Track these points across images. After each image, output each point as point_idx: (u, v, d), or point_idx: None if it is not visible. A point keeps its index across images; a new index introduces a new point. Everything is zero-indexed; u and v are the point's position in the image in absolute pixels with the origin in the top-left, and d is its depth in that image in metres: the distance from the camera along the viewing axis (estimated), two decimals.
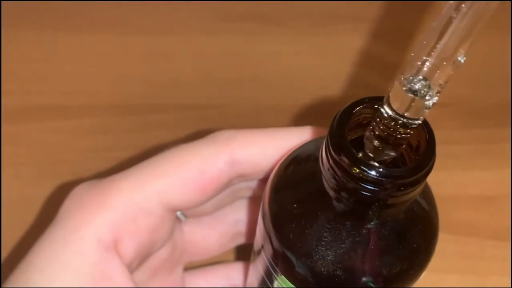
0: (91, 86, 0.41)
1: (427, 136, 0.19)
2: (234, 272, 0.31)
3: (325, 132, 0.25)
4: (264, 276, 0.24)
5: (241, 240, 0.30)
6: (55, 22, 0.44)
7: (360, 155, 0.19)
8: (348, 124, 0.19)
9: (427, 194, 0.22)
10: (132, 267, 0.24)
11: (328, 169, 0.19)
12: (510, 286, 0.34)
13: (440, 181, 0.37)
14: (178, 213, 0.27)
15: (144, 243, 0.24)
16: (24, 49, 0.43)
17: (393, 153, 0.19)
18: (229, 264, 0.31)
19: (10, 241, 0.34)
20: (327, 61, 0.44)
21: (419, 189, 0.19)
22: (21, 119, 0.39)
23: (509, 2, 0.43)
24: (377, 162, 0.18)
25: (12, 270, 0.22)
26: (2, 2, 0.44)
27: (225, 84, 0.42)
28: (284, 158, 0.23)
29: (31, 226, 0.35)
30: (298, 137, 0.25)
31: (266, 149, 0.25)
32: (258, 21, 0.45)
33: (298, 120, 0.40)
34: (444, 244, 0.35)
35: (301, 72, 0.43)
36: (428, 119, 0.19)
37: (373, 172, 0.17)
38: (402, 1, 0.46)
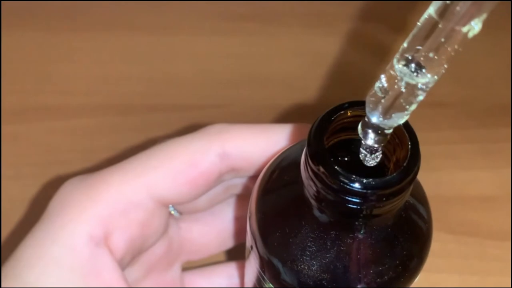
0: (91, 86, 0.41)
1: (410, 141, 0.17)
2: (236, 271, 0.30)
3: None
4: (255, 280, 0.23)
5: (242, 238, 0.30)
6: (55, 22, 0.44)
7: (345, 159, 0.18)
8: (328, 131, 0.18)
9: (417, 194, 0.21)
10: (124, 263, 0.24)
11: (308, 179, 0.18)
12: (510, 286, 0.34)
13: (440, 181, 0.37)
14: (171, 209, 0.27)
15: (135, 237, 0.24)
16: (24, 49, 0.43)
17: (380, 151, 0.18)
18: (231, 263, 0.31)
19: (10, 241, 0.34)
20: (327, 61, 0.44)
21: (405, 196, 0.18)
22: (21, 119, 0.39)
23: (509, 2, 0.43)
24: (363, 166, 0.17)
25: None
26: (2, 2, 0.44)
27: (225, 84, 0.42)
28: (272, 159, 0.23)
29: (31, 226, 0.35)
30: (290, 132, 0.25)
31: (257, 142, 0.24)
32: (258, 21, 0.45)
33: (298, 120, 0.40)
34: (444, 244, 0.35)
35: (301, 72, 0.43)
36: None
37: (354, 184, 0.16)
38: (404, 1, 0.46)
